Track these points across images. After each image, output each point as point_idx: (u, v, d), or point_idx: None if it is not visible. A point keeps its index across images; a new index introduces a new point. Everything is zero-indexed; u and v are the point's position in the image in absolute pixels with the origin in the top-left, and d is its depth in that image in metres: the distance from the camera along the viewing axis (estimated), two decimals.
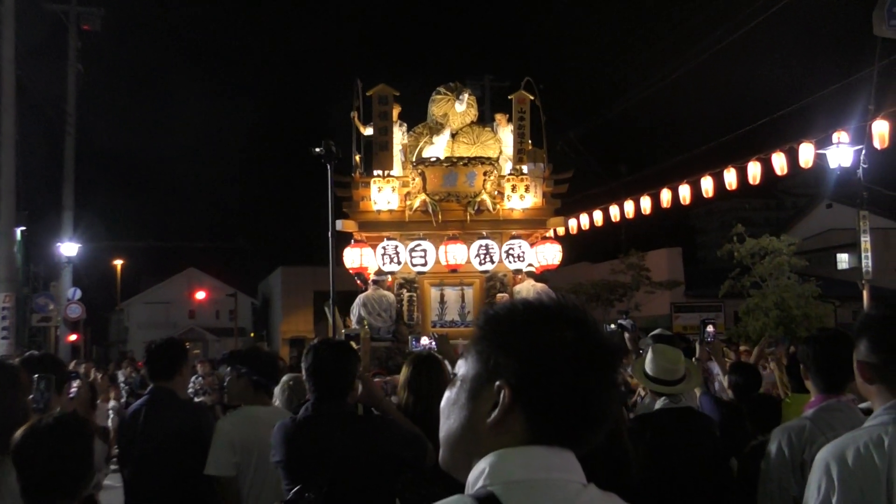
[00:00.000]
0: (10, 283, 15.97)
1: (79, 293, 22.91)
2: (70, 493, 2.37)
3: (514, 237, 10.26)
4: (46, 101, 21.01)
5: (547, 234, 10.77)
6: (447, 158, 10.59)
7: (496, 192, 10.42)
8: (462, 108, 11.01)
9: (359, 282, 10.86)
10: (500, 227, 10.41)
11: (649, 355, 4.10)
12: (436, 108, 11.15)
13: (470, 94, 11.10)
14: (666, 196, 15.98)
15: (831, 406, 2.97)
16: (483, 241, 10.17)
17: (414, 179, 10.48)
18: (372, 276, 10.45)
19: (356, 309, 10.19)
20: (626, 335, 7.20)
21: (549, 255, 10.40)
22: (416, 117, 11.45)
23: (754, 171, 14.21)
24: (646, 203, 16.56)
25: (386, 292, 10.35)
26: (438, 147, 10.97)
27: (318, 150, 8.77)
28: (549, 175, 10.65)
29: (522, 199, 10.30)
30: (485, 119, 12.04)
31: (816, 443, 2.70)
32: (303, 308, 38.99)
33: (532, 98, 10.80)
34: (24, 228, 21.95)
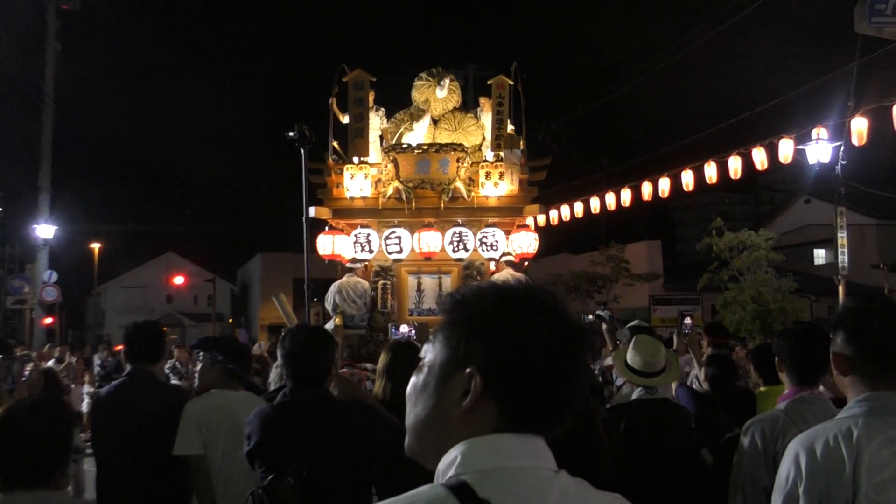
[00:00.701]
0: None
1: (55, 276, 22.67)
2: (46, 478, 2.35)
3: (489, 225, 10.04)
4: (23, 81, 20.74)
5: (524, 223, 10.49)
6: (419, 145, 10.46)
7: (470, 180, 10.26)
8: (443, 94, 10.89)
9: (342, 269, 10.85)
10: (475, 214, 10.19)
11: (630, 347, 4.11)
12: (417, 94, 11.08)
13: (452, 80, 10.93)
14: (647, 189, 16.04)
15: (804, 398, 3.00)
16: (457, 229, 10.03)
17: (386, 166, 10.39)
18: (347, 264, 10.46)
19: (331, 296, 10.19)
20: (604, 326, 7.24)
21: (524, 243, 10.17)
22: (402, 105, 11.38)
23: (734, 165, 14.28)
24: (626, 195, 16.62)
25: (360, 280, 10.34)
26: (418, 133, 10.89)
27: (291, 133, 8.75)
28: (526, 162, 10.41)
29: (497, 186, 10.10)
30: (468, 108, 11.94)
31: (789, 434, 2.73)
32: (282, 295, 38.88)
33: (512, 83, 10.65)
34: None
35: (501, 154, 10.31)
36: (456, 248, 10.00)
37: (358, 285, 10.26)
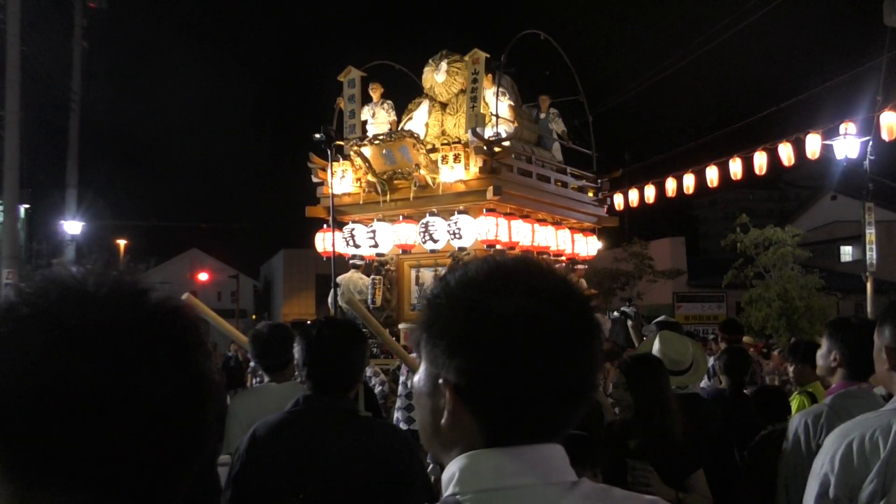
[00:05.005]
0: (13, 259, 16.01)
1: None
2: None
3: (460, 212, 9.40)
4: (51, 79, 20.96)
5: (490, 207, 9.54)
6: (375, 135, 10.20)
7: (430, 165, 9.63)
8: (442, 78, 10.42)
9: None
10: (439, 202, 9.63)
11: (656, 344, 4.07)
12: (424, 81, 10.81)
13: (452, 63, 10.36)
14: (671, 185, 15.89)
15: (851, 393, 2.94)
16: (425, 220, 9.60)
17: (355, 160, 10.17)
18: (349, 260, 10.48)
19: (332, 293, 10.21)
20: (629, 323, 7.21)
21: (484, 229, 9.28)
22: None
23: (760, 161, 14.11)
24: (650, 192, 16.47)
25: (361, 276, 10.32)
26: (418, 121, 10.63)
27: (317, 136, 8.76)
28: (488, 142, 9.46)
29: (452, 169, 9.49)
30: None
31: (833, 429, 2.69)
32: (304, 291, 39.13)
33: (487, 56, 9.90)
34: (27, 206, 21.92)
35: (472, 135, 9.55)
36: (424, 239, 9.68)
37: (358, 282, 10.26)
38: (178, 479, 0.78)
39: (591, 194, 11.47)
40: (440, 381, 0.97)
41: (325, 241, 10.56)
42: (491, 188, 9.18)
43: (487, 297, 0.96)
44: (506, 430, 0.95)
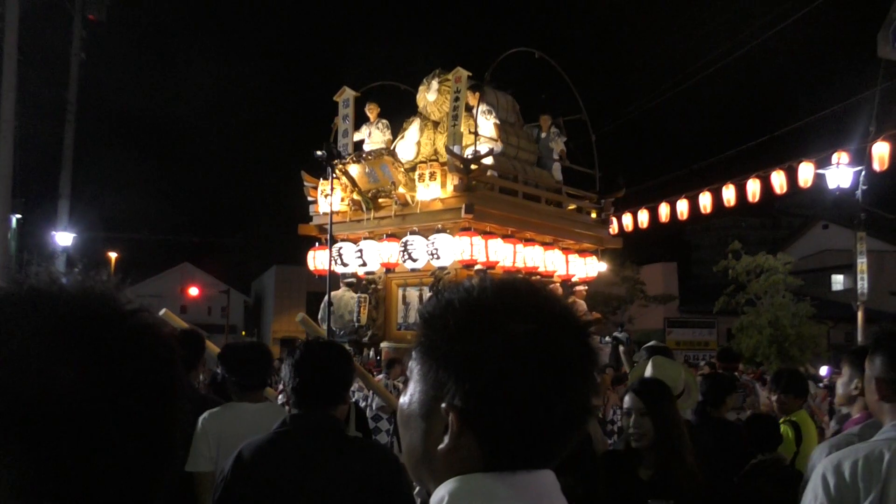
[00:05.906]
0: (3, 269, 15.90)
1: None
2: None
3: (438, 231, 9.26)
4: (47, 89, 20.94)
5: (466, 226, 9.36)
6: (357, 153, 10.19)
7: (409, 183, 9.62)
8: (433, 97, 10.40)
9: None
10: (418, 220, 9.54)
11: (648, 369, 4.04)
12: (418, 101, 10.82)
13: (443, 82, 10.29)
14: (664, 210, 15.96)
15: (877, 423, 2.89)
16: (405, 238, 9.56)
17: (342, 180, 10.13)
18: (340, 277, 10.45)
19: (321, 309, 10.14)
20: (621, 348, 7.18)
21: (459, 249, 9.11)
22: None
23: (753, 188, 14.20)
24: (643, 217, 16.53)
25: (352, 294, 10.27)
26: (409, 141, 10.62)
27: (319, 153, 8.76)
28: (464, 160, 9.32)
29: (428, 187, 9.42)
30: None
31: None
32: (295, 308, 38.83)
33: (470, 74, 9.87)
34: (19, 216, 21.80)
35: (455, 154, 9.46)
36: (404, 259, 9.63)
37: (350, 301, 10.21)
38: (145, 493, 0.78)
39: (593, 215, 11.33)
40: (443, 404, 0.94)
41: (315, 260, 10.52)
42: (463, 206, 9.07)
43: (500, 320, 0.94)
44: (507, 455, 0.94)
